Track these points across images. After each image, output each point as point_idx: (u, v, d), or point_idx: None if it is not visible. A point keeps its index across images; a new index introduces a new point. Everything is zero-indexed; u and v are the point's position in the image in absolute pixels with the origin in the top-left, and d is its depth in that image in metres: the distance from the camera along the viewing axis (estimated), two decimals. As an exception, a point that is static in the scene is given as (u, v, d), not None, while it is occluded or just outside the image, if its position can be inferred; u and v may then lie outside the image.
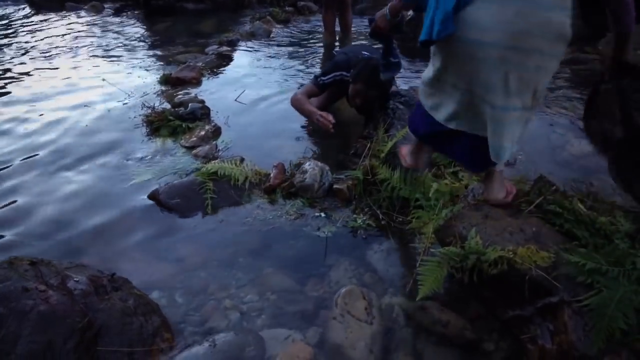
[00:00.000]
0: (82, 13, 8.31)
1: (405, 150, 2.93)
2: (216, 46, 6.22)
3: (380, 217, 2.93)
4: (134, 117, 4.35)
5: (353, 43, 6.00)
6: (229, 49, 6.17)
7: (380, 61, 3.30)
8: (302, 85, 4.80)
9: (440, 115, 2.29)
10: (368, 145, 3.25)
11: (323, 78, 3.83)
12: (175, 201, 3.12)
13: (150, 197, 3.19)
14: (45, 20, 8.06)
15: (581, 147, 3.54)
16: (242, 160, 3.49)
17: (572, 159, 3.42)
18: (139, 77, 5.41)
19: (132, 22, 7.76)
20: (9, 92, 5.10)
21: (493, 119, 2.09)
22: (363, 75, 3.47)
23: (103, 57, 6.16)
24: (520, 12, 1.85)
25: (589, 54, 5.20)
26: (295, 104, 3.87)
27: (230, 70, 5.58)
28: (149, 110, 4.32)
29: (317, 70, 5.34)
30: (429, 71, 2.30)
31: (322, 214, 3.00)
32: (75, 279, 2.13)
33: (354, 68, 3.59)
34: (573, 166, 3.32)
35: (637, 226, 2.19)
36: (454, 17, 1.92)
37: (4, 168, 3.64)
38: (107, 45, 6.62)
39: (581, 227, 2.21)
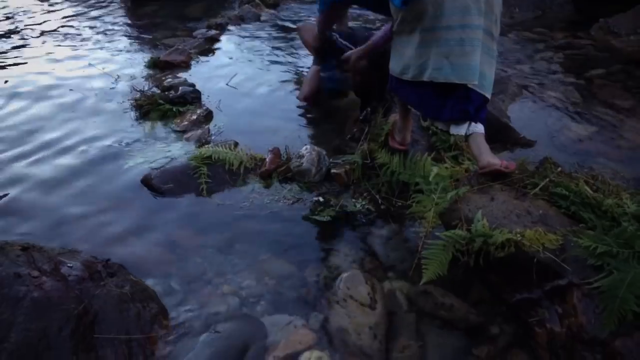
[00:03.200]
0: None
1: (393, 132, 3.06)
2: (205, 30, 6.09)
3: (380, 201, 2.88)
4: (123, 101, 4.25)
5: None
6: (217, 32, 6.06)
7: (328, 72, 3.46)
8: (293, 71, 4.76)
9: (408, 75, 2.52)
10: (366, 129, 3.19)
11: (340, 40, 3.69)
12: (169, 186, 3.04)
13: (143, 181, 3.10)
14: (28, 6, 7.83)
15: (578, 131, 3.54)
16: (236, 144, 3.42)
17: (570, 143, 3.41)
18: (126, 61, 5.29)
19: (117, 7, 7.57)
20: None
21: (466, 39, 2.34)
22: (371, 54, 3.36)
23: (89, 42, 5.99)
24: None
25: (582, 39, 5.18)
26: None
27: (219, 54, 5.47)
28: (138, 94, 4.22)
29: (305, 52, 5.25)
30: (398, 39, 2.59)
31: (320, 199, 2.93)
32: (69, 265, 2.05)
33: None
34: (571, 150, 3.32)
35: (644, 208, 2.16)
36: None
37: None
38: (93, 30, 6.45)
39: (588, 210, 2.18)
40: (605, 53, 4.89)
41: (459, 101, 2.45)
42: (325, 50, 3.59)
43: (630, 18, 5.16)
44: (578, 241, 1.98)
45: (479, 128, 2.49)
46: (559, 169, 2.45)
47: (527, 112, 3.82)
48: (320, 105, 4.11)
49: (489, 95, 2.50)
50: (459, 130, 2.51)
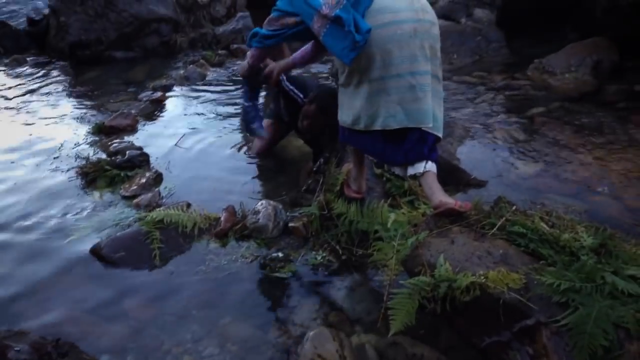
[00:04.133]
0: (2, 67, 7.91)
1: (348, 181, 3.08)
2: (150, 92, 6.04)
3: (340, 252, 2.84)
4: (67, 169, 4.10)
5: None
6: (163, 94, 6.01)
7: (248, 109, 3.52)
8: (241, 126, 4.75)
9: (360, 125, 2.57)
10: (321, 180, 3.18)
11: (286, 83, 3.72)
12: (120, 255, 2.91)
13: (92, 252, 2.96)
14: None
15: (526, 169, 3.62)
16: (188, 205, 3.33)
17: (519, 181, 3.48)
18: (69, 128, 5.14)
19: (58, 73, 7.44)
20: None
21: (417, 85, 2.42)
22: (320, 99, 3.36)
23: (29, 111, 5.82)
24: None
25: (520, 79, 5.40)
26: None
27: (166, 116, 5.42)
28: (83, 162, 4.09)
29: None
30: (346, 91, 2.63)
31: (280, 254, 2.86)
32: (15, 349, 1.92)
33: (312, 90, 3.51)
34: (522, 188, 3.37)
35: (600, 240, 2.19)
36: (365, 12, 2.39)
37: None
38: (33, 98, 6.28)
39: (546, 246, 2.20)
40: (543, 92, 5.09)
41: (415, 144, 2.51)
42: (253, 82, 3.52)
43: (563, 57, 5.42)
44: (541, 279, 1.98)
45: (432, 167, 2.54)
46: (514, 207, 2.48)
47: (475, 153, 3.89)
48: (272, 157, 4.08)
49: (441, 135, 2.58)
50: (416, 169, 2.54)
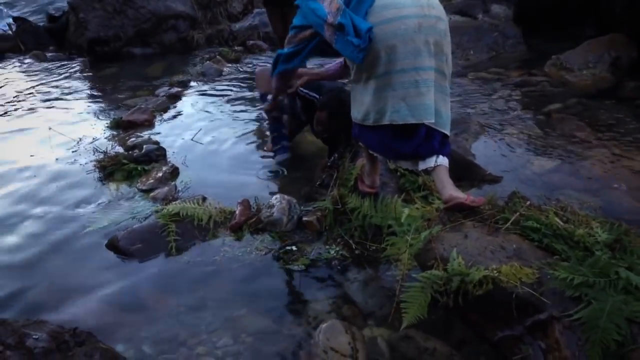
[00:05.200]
0: (24, 62, 8.04)
1: (362, 176, 3.09)
2: (167, 88, 6.11)
3: (354, 246, 2.85)
4: (85, 163, 4.16)
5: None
6: (180, 89, 6.07)
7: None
8: (257, 121, 4.78)
9: (370, 120, 2.58)
10: (335, 175, 3.19)
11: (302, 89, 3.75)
12: (137, 247, 2.95)
13: (109, 244, 3.01)
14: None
15: (542, 165, 3.60)
16: (204, 199, 3.36)
17: (535, 177, 3.46)
18: (87, 123, 5.23)
19: (77, 69, 7.55)
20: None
21: (420, 81, 2.42)
22: (329, 106, 3.39)
23: (49, 105, 5.93)
24: None
25: (537, 76, 5.36)
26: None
27: (183, 111, 5.46)
28: (101, 155, 4.15)
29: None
30: (357, 87, 2.64)
31: (294, 248, 2.89)
32: (34, 337, 1.95)
33: (324, 95, 3.54)
34: (537, 183, 3.35)
35: (614, 235, 2.18)
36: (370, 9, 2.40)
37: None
38: (52, 94, 6.39)
39: (560, 241, 2.19)
40: (560, 88, 5.05)
41: (424, 140, 2.52)
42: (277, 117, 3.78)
43: (580, 53, 5.38)
44: (554, 273, 1.98)
45: (443, 161, 2.55)
46: (528, 202, 2.47)
47: (491, 149, 3.88)
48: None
49: (447, 132, 2.57)
50: (427, 164, 2.55)
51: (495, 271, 2.03)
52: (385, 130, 2.57)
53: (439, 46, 2.45)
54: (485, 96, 5.02)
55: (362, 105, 2.60)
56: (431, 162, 2.54)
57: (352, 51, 2.40)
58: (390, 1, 2.39)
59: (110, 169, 3.95)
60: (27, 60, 8.06)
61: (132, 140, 4.47)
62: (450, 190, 2.45)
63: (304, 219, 3.08)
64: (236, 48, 7.87)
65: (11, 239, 3.20)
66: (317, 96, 3.59)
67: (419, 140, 2.52)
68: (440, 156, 2.54)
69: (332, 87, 3.54)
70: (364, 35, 2.34)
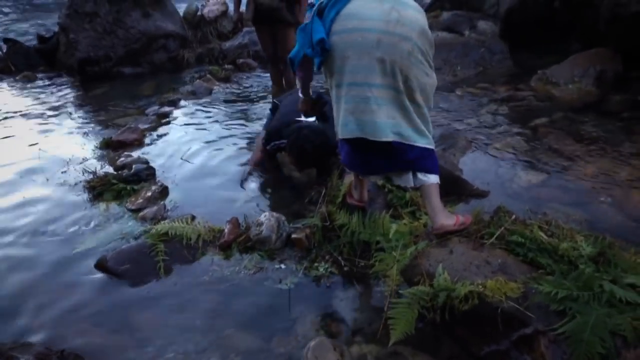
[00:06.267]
0: (13, 83, 8.04)
1: (349, 190, 3.10)
2: (157, 107, 6.11)
3: (342, 263, 2.86)
4: (75, 184, 4.15)
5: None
6: (170, 109, 6.07)
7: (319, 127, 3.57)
8: (246, 140, 4.81)
9: (338, 133, 2.56)
10: (323, 192, 3.21)
11: (267, 147, 3.97)
12: (125, 267, 2.95)
13: (97, 265, 3.00)
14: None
15: (529, 179, 3.64)
16: (193, 218, 3.37)
17: (521, 191, 3.50)
18: (77, 143, 5.21)
19: (67, 89, 7.54)
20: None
21: (372, 98, 2.37)
22: (293, 150, 3.54)
23: (38, 126, 5.91)
24: (394, 7, 2.31)
25: (523, 90, 5.42)
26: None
27: (173, 130, 5.47)
28: (91, 176, 4.15)
29: (260, 122, 5.34)
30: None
31: (282, 266, 2.90)
32: (21, 359, 1.93)
33: (287, 138, 3.62)
34: (524, 197, 3.39)
35: (598, 249, 2.20)
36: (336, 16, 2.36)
37: None
38: (42, 114, 6.38)
39: (545, 255, 2.22)
40: (546, 102, 5.11)
41: (393, 156, 2.52)
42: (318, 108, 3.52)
43: (567, 68, 5.45)
44: (539, 288, 2.00)
45: (428, 179, 2.54)
46: (513, 216, 2.50)
47: (478, 163, 3.91)
48: (275, 170, 4.13)
49: (422, 144, 2.49)
50: (404, 181, 2.59)
51: (480, 286, 2.05)
52: (356, 144, 2.57)
53: (396, 66, 2.34)
54: (473, 111, 5.07)
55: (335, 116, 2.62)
56: (408, 180, 2.57)
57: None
58: (356, 11, 2.34)
59: (99, 189, 3.93)
60: (17, 81, 8.06)
61: (121, 160, 4.47)
62: (442, 219, 2.48)
63: (293, 236, 3.08)
64: (226, 66, 7.89)
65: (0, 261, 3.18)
66: (284, 141, 3.67)
67: (395, 157, 2.51)
68: (421, 174, 2.53)
69: (291, 129, 3.65)
70: (315, 45, 2.36)
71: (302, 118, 3.77)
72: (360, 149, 2.58)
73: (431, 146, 2.54)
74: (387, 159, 2.55)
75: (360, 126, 2.42)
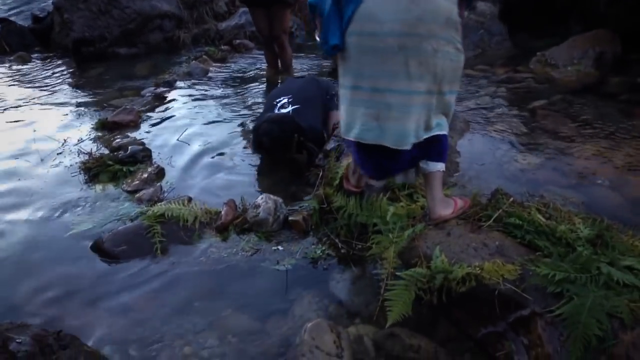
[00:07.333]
0: (8, 64, 7.96)
1: (347, 174, 3.04)
2: (153, 88, 6.06)
3: (340, 245, 2.85)
4: (70, 165, 4.13)
5: (294, 76, 5.98)
6: (166, 89, 6.03)
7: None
8: (241, 124, 4.79)
9: (352, 134, 2.42)
10: (320, 174, 3.19)
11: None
12: (122, 248, 2.94)
13: (93, 246, 2.99)
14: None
15: (527, 161, 3.62)
16: (189, 199, 3.35)
17: (519, 174, 3.48)
18: (72, 124, 5.17)
19: (62, 70, 7.48)
20: None
21: (398, 104, 2.24)
22: (254, 146, 3.66)
23: (33, 107, 5.87)
24: (413, 0, 2.09)
25: (522, 72, 5.39)
26: None
27: (169, 111, 5.43)
28: (86, 157, 4.12)
29: (256, 104, 5.32)
30: (340, 91, 2.47)
31: (280, 247, 2.89)
32: (17, 340, 1.93)
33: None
34: (522, 180, 3.37)
35: (596, 231, 2.20)
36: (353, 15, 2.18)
37: None
38: (37, 95, 6.33)
39: (542, 238, 2.21)
40: (545, 84, 5.09)
41: (405, 153, 2.41)
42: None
43: (565, 50, 5.42)
44: (536, 270, 1.99)
45: (432, 166, 2.46)
46: (511, 199, 2.49)
47: (476, 145, 3.90)
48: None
49: (434, 133, 2.40)
50: (408, 179, 2.60)
51: (477, 268, 2.05)
52: (365, 149, 2.48)
53: (422, 67, 2.19)
54: (471, 93, 5.05)
55: (342, 112, 2.51)
56: (412, 176, 2.59)
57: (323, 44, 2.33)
58: (374, 12, 2.16)
59: (95, 170, 3.91)
60: (12, 62, 7.99)
61: (117, 141, 4.44)
62: (440, 210, 2.46)
63: (290, 218, 3.08)
64: (222, 47, 7.83)
65: (-6, 244, 3.16)
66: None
67: (407, 156, 2.42)
68: (424, 161, 2.46)
69: (255, 125, 3.76)
70: (330, 50, 2.29)
71: (276, 111, 3.81)
72: (374, 152, 2.48)
73: (441, 132, 2.42)
74: (395, 160, 2.46)
75: (384, 133, 2.30)
